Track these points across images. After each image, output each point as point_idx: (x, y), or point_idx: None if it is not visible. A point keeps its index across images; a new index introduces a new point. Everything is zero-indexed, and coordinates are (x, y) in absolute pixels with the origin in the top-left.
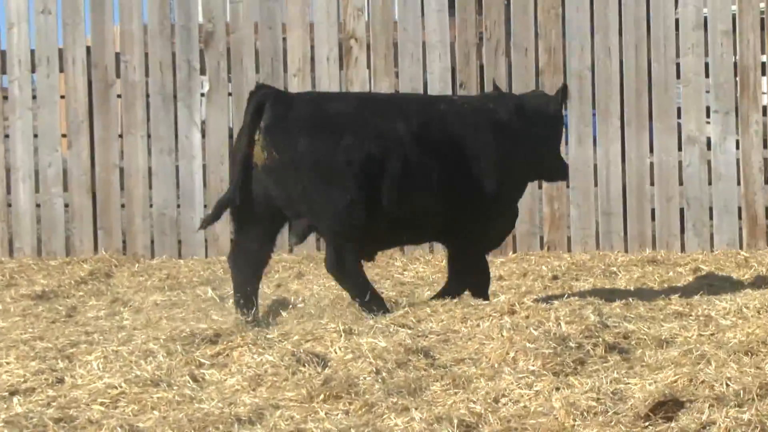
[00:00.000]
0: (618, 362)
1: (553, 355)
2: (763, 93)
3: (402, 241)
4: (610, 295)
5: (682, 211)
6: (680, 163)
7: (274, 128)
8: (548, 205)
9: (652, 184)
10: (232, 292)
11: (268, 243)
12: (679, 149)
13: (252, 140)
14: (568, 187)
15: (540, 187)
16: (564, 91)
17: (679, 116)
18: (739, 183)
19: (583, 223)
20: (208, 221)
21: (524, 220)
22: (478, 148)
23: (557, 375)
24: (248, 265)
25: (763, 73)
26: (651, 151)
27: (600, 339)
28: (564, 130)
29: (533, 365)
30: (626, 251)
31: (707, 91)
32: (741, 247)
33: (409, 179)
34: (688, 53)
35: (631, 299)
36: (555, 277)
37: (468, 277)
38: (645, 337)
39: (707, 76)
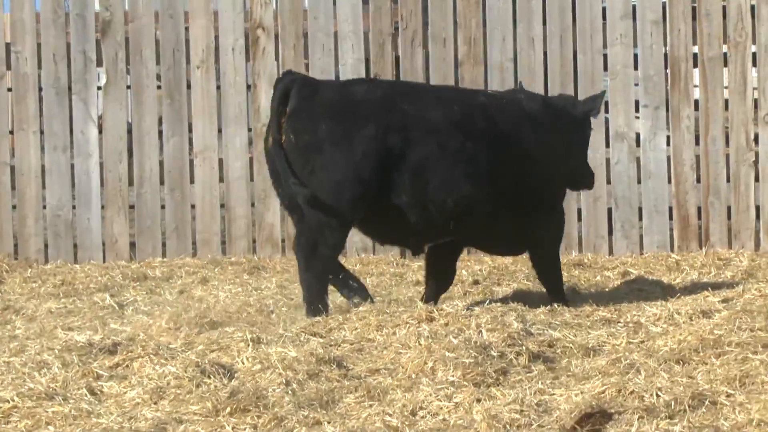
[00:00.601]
0: (542, 372)
1: (474, 364)
2: (695, 86)
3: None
4: (535, 300)
5: (609, 211)
6: (608, 160)
7: (297, 113)
8: None
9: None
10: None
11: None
12: (607, 146)
13: (281, 126)
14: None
15: None
16: (601, 97)
17: (606, 111)
18: (669, 181)
19: None
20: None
21: None
22: (512, 143)
23: (478, 386)
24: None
25: (695, 65)
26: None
27: (523, 347)
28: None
29: (453, 375)
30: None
31: (636, 84)
32: (672, 250)
33: (433, 171)
34: (615, 44)
35: (556, 305)
36: (476, 282)
37: (446, 281)
38: (571, 345)
39: (636, 68)
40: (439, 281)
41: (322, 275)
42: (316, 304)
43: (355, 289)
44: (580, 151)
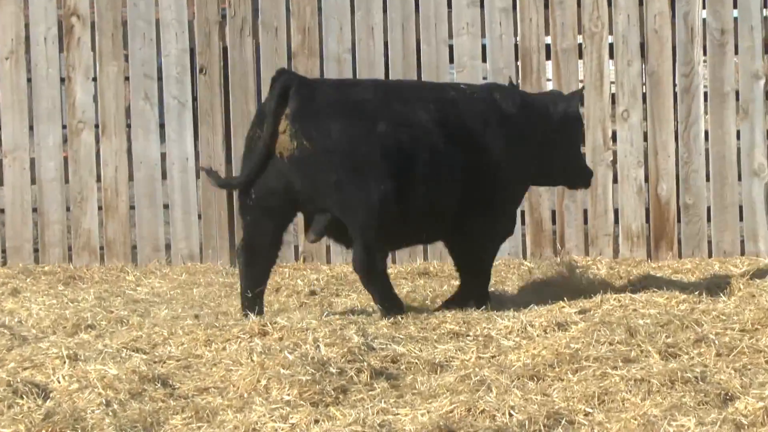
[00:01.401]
0: (385, 390)
1: (311, 382)
2: (548, 80)
3: (422, 239)
4: (376, 312)
5: None
6: None
7: (303, 115)
8: None
9: None
10: (240, 290)
11: (278, 239)
12: None
13: (276, 129)
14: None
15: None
16: (582, 92)
17: None
18: None
19: None
20: (213, 181)
21: None
22: (488, 142)
23: (316, 405)
24: (257, 263)
25: (548, 57)
26: None
27: (365, 363)
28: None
29: (288, 394)
30: (394, 262)
31: (484, 78)
32: (524, 256)
33: (435, 171)
34: (462, 33)
35: (400, 317)
36: (312, 293)
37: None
38: (416, 360)
39: (484, 60)
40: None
41: (386, 281)
42: (392, 309)
43: None
44: (563, 149)
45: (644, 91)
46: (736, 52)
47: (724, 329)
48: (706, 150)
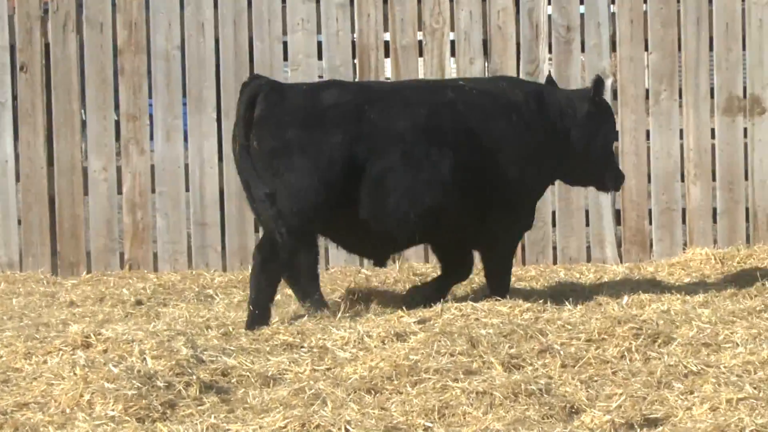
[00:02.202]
0: (216, 404)
1: (138, 396)
2: (387, 78)
3: (414, 242)
4: (206, 323)
5: None
6: None
7: (263, 120)
8: (129, 214)
9: None
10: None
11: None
12: None
13: (249, 132)
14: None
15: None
16: (597, 84)
17: None
18: None
19: (172, 236)
20: None
21: (101, 233)
22: (490, 142)
23: (142, 421)
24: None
25: (387, 55)
26: None
27: (194, 377)
28: (611, 131)
29: (113, 409)
30: (225, 270)
31: (320, 76)
32: (362, 264)
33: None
34: (297, 30)
35: (231, 328)
36: (139, 302)
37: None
38: (248, 373)
39: (320, 57)
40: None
41: (275, 281)
42: (261, 309)
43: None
44: (594, 149)
45: None
46: (583, 50)
47: (570, 339)
48: None
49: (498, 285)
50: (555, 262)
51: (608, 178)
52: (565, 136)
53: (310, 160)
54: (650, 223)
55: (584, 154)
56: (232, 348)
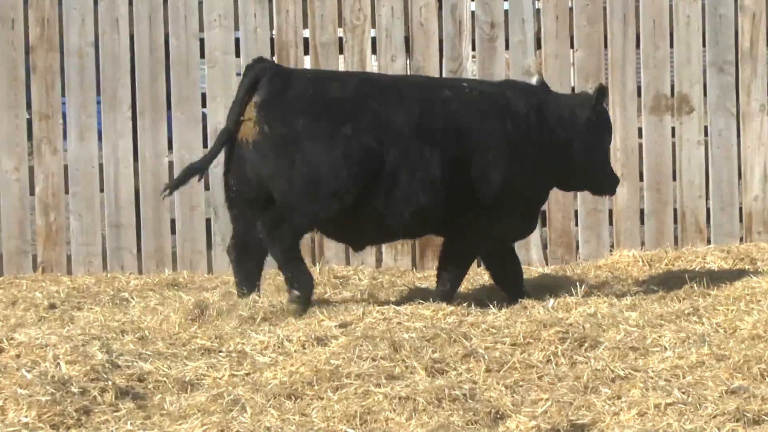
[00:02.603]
0: (132, 410)
1: (51, 402)
2: None
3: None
4: (122, 327)
5: (209, 222)
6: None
7: (268, 104)
8: (42, 215)
9: None
10: (236, 287)
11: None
12: (205, 146)
13: (240, 117)
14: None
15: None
16: (599, 92)
17: (204, 104)
18: None
19: (86, 238)
20: (174, 186)
21: (13, 234)
22: (483, 141)
23: (56, 428)
24: (249, 257)
25: (306, 52)
26: (170, 147)
27: (109, 382)
28: (609, 137)
29: (26, 416)
30: (141, 272)
31: (238, 74)
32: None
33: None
34: (214, 26)
35: (147, 332)
36: (52, 306)
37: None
38: (165, 379)
39: (238, 54)
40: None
41: (292, 246)
42: (299, 275)
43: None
44: (587, 153)
45: None
46: (507, 47)
47: (495, 343)
48: None
49: (450, 280)
50: (479, 265)
51: (605, 183)
52: (565, 145)
53: (320, 147)
54: (576, 224)
55: (584, 163)
56: (148, 353)
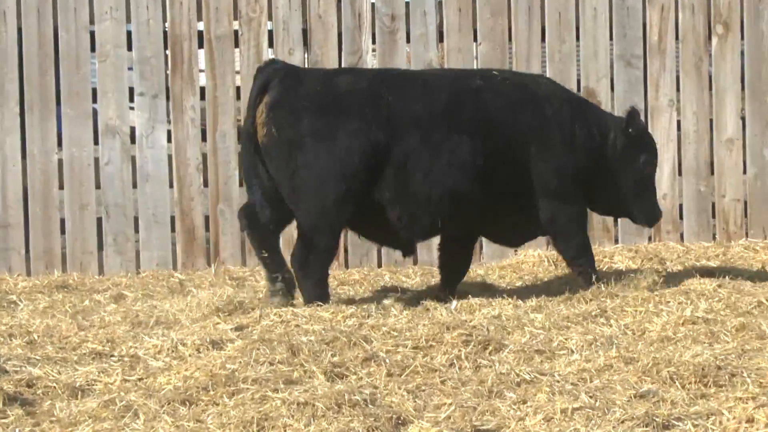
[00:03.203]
0: (20, 417)
1: None
2: (201, 71)
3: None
4: (10, 331)
5: (99, 221)
6: (96, 160)
7: (278, 105)
8: None
9: (61, 187)
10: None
11: (281, 223)
12: (96, 142)
13: (255, 118)
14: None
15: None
16: (630, 116)
17: (95, 100)
18: (171, 186)
19: None
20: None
21: None
22: (509, 138)
23: None
24: (261, 224)
25: (201, 46)
26: (60, 144)
27: None
28: (648, 165)
29: None
30: (29, 274)
31: (130, 68)
32: (175, 267)
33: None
34: (105, 19)
35: (36, 336)
36: None
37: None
38: (54, 384)
39: (130, 48)
40: (456, 269)
41: (322, 278)
42: (320, 298)
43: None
44: (610, 177)
45: None
46: (408, 40)
47: (396, 346)
48: None
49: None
50: (380, 265)
51: (639, 212)
52: (593, 166)
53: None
54: None
55: (611, 187)
56: (37, 357)
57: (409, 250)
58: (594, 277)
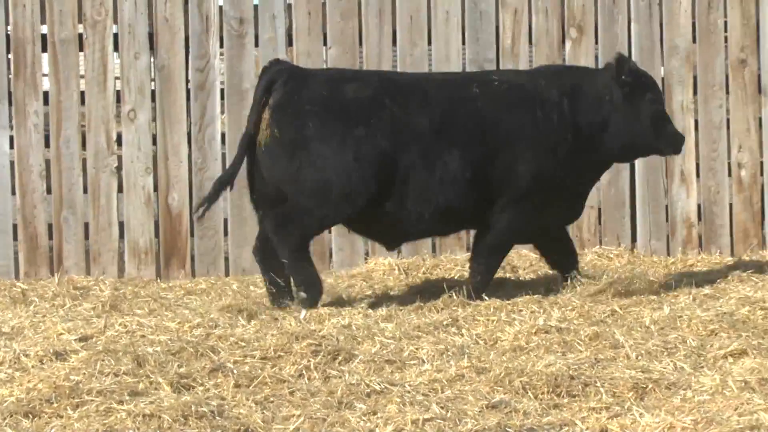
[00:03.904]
0: None
1: None
2: (44, 75)
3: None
4: None
5: None
6: None
7: (281, 107)
8: None
9: None
10: (265, 288)
11: None
12: None
13: (259, 119)
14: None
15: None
16: (618, 64)
17: None
18: (14, 192)
19: None
20: (206, 203)
21: None
22: (508, 131)
23: None
24: (275, 258)
25: (44, 49)
26: None
27: None
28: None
29: None
30: None
31: None
32: (18, 277)
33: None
34: None
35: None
36: None
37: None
38: None
39: None
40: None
41: (300, 247)
42: (306, 277)
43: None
44: (636, 119)
45: (153, 87)
46: (257, 44)
47: (244, 357)
48: (223, 155)
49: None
50: (227, 274)
51: (665, 146)
52: (603, 124)
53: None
54: (330, 231)
55: (630, 133)
56: None
57: (395, 246)
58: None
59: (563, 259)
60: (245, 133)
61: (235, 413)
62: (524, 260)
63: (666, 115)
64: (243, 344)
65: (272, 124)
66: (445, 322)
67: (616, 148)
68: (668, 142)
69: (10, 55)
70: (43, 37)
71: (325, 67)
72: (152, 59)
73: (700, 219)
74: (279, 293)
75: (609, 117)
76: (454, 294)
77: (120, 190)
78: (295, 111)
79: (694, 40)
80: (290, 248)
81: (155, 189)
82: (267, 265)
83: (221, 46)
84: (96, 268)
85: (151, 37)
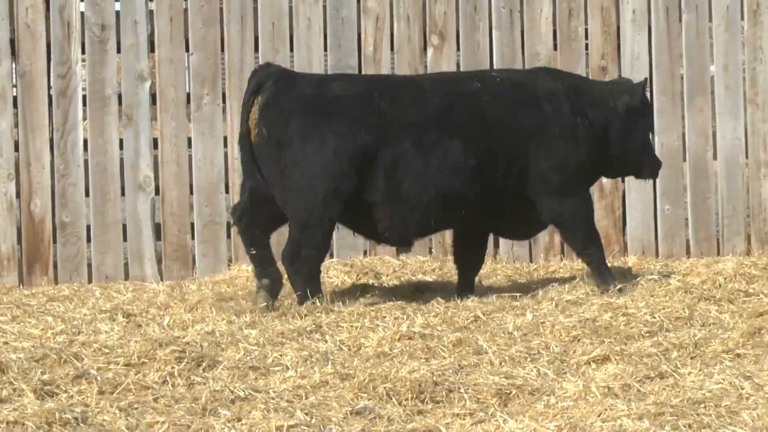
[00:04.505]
0: None
1: None
2: None
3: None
4: None
5: None
6: None
7: (270, 106)
8: None
9: None
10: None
11: (274, 222)
12: None
13: (247, 119)
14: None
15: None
16: (643, 87)
17: None
18: None
19: None
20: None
21: None
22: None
23: None
24: (255, 227)
25: None
26: None
27: None
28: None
29: None
30: None
31: None
32: None
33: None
34: None
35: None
36: None
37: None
38: None
39: None
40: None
41: (312, 275)
42: (313, 293)
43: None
44: (626, 140)
45: (15, 94)
46: (119, 50)
47: (108, 363)
48: (86, 161)
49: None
50: (90, 281)
51: (646, 168)
52: (604, 131)
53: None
54: (193, 237)
55: (623, 148)
56: None
57: (405, 246)
58: (604, 268)
59: (469, 266)
60: (240, 134)
61: (99, 420)
62: (387, 266)
63: (651, 144)
64: (107, 350)
65: (260, 124)
66: (308, 329)
67: (611, 156)
68: (650, 166)
69: None
70: None
71: (187, 73)
72: (14, 65)
73: None
74: (259, 254)
75: (611, 123)
76: (317, 300)
77: None
78: (282, 110)
79: (555, 48)
80: (305, 278)
81: (17, 195)
82: (249, 237)
83: (83, 52)
84: (33, 277)
85: (12, 43)
